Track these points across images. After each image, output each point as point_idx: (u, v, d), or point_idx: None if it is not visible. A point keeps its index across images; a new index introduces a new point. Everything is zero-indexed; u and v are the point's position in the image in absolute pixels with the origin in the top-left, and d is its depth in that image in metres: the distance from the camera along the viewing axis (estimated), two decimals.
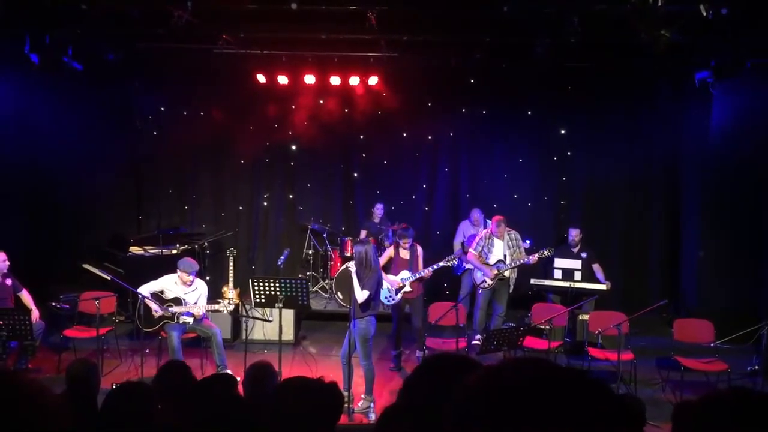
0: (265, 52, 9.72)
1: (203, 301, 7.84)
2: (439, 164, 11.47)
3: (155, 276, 7.88)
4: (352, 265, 6.80)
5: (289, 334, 8.85)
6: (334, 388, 3.05)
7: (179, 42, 9.07)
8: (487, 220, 9.73)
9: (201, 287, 7.92)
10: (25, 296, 7.97)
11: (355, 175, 11.62)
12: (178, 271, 7.73)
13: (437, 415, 1.20)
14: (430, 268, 8.11)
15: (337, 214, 11.73)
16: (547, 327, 7.97)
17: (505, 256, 8.75)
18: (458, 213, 11.10)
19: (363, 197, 11.56)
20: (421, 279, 8.15)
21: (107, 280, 8.86)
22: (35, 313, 7.76)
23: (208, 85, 10.76)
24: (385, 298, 8.08)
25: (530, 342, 7.79)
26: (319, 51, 9.69)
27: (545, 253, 8.69)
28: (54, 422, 1.15)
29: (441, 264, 8.17)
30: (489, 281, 8.72)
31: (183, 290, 7.76)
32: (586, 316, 8.24)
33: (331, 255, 10.81)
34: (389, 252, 8.32)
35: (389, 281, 8.06)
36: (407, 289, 8.06)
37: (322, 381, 2.98)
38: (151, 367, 6.97)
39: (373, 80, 10.28)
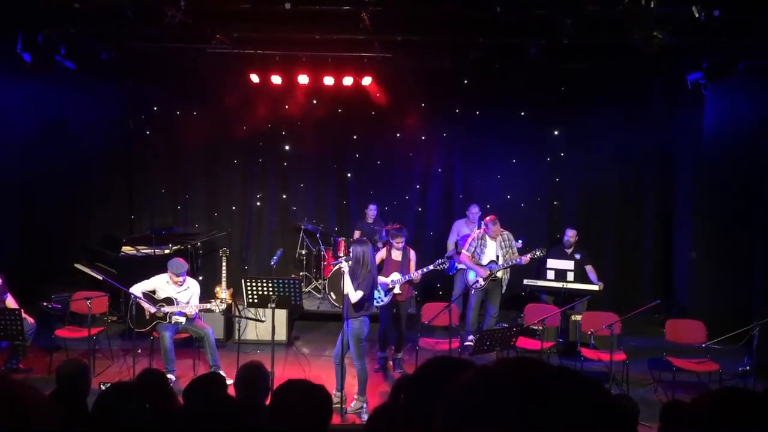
0: (258, 51, 9.70)
1: (195, 300, 7.82)
2: (433, 165, 11.46)
3: (147, 276, 7.86)
4: (344, 264, 6.78)
5: (281, 335, 8.83)
6: (321, 388, 3.05)
7: (172, 41, 9.06)
8: (481, 222, 9.71)
9: (193, 287, 7.89)
10: (9, 301, 7.82)
11: (349, 175, 11.60)
12: (168, 271, 7.72)
13: (428, 414, 1.19)
14: (420, 271, 8.04)
15: (330, 214, 11.70)
16: (540, 327, 7.98)
17: (497, 256, 8.76)
18: (451, 213, 11.09)
19: (356, 197, 11.53)
20: (410, 281, 8.11)
21: (100, 280, 8.83)
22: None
23: (201, 85, 10.74)
24: (375, 299, 8.07)
25: (523, 342, 7.79)
26: (313, 51, 9.68)
27: (537, 253, 8.70)
28: (40, 422, 1.14)
29: (431, 267, 8.09)
30: (482, 281, 8.73)
31: (175, 290, 7.73)
32: (578, 317, 8.26)
33: (324, 255, 10.78)
34: (381, 253, 8.29)
35: (379, 282, 8.04)
36: (396, 291, 8.02)
37: (309, 382, 2.98)
38: (143, 368, 6.92)
39: (366, 80, 10.27)
